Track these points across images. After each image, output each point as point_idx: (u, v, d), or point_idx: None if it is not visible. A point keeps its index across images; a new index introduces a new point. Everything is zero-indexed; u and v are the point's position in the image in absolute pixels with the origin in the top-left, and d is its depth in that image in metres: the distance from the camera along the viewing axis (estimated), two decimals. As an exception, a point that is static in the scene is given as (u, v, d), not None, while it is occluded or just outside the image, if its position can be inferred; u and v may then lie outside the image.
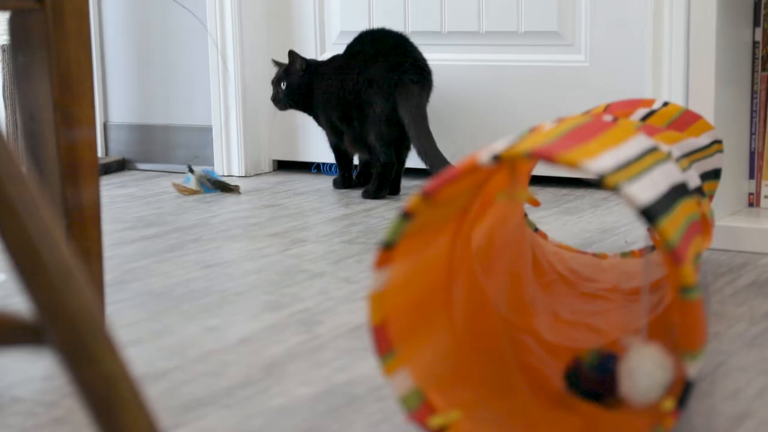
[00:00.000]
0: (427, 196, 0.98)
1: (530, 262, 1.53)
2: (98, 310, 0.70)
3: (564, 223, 2.07)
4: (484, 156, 0.97)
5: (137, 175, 2.80)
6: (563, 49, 2.45)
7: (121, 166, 2.87)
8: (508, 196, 1.02)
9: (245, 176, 2.71)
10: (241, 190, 2.48)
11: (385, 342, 1.02)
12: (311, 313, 1.53)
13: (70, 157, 1.36)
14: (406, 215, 0.99)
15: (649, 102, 1.69)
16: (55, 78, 1.33)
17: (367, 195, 2.38)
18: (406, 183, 2.47)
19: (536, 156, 0.96)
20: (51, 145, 1.35)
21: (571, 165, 0.95)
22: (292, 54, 2.49)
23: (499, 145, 1.01)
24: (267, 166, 2.78)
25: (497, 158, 0.97)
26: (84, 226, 1.38)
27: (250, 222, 2.15)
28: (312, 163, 2.75)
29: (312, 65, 2.49)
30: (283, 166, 2.80)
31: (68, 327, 0.69)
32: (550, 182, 2.46)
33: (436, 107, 2.51)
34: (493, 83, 2.51)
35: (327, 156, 2.64)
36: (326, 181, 2.59)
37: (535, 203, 1.65)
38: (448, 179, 0.98)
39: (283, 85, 2.49)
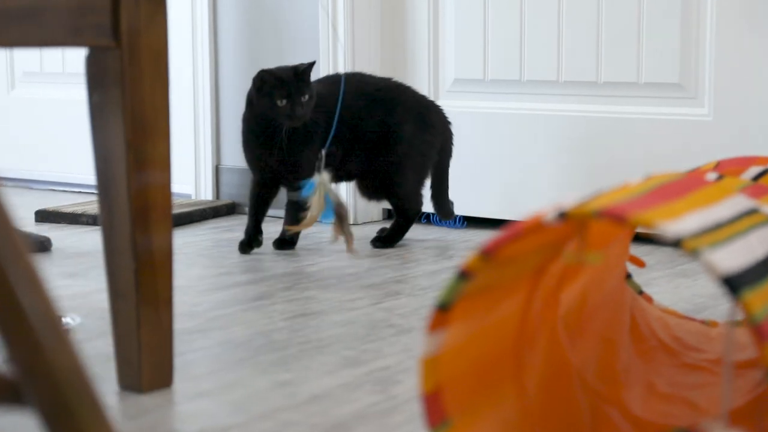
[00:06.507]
0: (486, 255, 0.90)
1: (627, 327, 1.42)
2: (84, 368, 0.64)
3: (676, 287, 1.95)
4: (549, 213, 0.89)
5: (246, 219, 2.76)
6: (685, 102, 2.33)
7: (230, 210, 2.85)
8: (575, 259, 0.94)
9: (355, 224, 2.65)
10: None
11: (437, 412, 0.94)
12: (391, 371, 1.45)
13: (142, 201, 1.32)
14: (463, 275, 0.91)
15: (765, 160, 1.57)
16: (128, 118, 1.29)
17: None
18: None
19: (606, 215, 0.87)
20: (122, 188, 1.31)
21: (646, 225, 0.86)
22: None
23: (568, 202, 0.92)
24: (377, 214, 2.73)
25: (563, 216, 0.88)
26: (153, 273, 1.33)
27: (347, 272, 2.09)
28: (422, 213, 2.68)
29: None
30: (393, 214, 2.73)
31: (49, 386, 0.63)
32: (666, 242, 2.33)
33: (552, 159, 2.42)
34: (609, 136, 2.40)
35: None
36: (435, 231, 2.52)
37: (640, 264, 1.54)
38: (510, 237, 0.90)
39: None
